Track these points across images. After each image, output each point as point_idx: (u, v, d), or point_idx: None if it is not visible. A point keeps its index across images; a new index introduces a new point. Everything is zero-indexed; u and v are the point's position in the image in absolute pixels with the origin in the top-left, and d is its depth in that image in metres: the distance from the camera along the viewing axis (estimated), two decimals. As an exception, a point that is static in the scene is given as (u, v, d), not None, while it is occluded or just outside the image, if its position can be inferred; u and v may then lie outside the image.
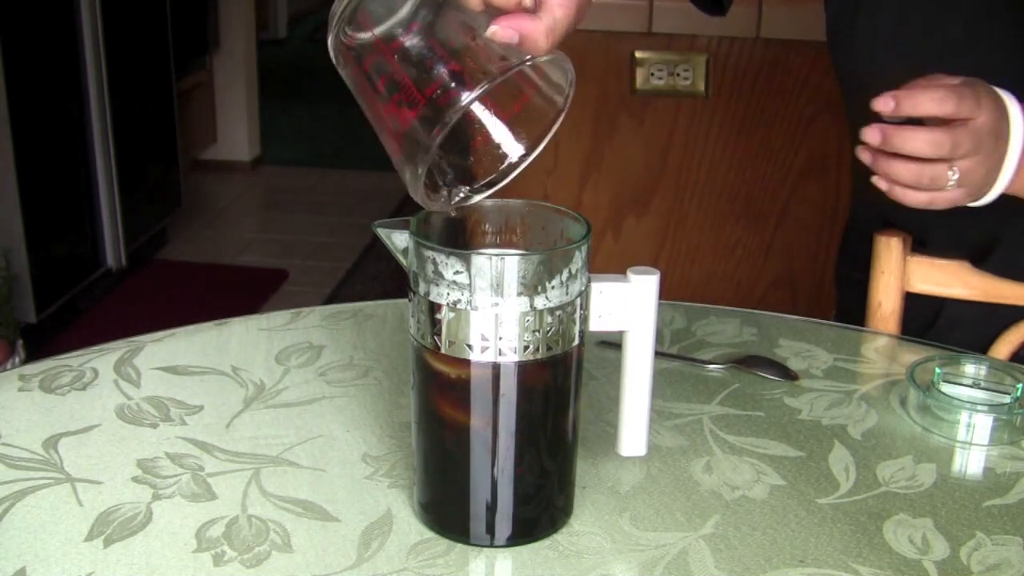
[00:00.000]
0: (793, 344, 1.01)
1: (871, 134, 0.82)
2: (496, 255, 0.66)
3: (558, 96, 0.72)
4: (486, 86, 0.67)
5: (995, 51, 1.00)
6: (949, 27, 1.01)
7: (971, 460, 0.84)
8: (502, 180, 0.73)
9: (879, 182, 0.84)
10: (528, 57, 0.69)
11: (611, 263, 0.77)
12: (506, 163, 0.73)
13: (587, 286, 0.70)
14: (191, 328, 1.01)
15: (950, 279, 1.12)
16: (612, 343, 0.95)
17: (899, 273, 1.12)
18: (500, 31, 0.70)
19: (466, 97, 0.67)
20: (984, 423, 0.86)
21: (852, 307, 1.23)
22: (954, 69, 0.88)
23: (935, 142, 0.81)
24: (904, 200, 0.85)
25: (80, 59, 3.00)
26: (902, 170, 0.83)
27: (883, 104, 0.81)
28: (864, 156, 0.83)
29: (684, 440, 0.85)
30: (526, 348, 0.67)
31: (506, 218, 0.74)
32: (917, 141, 0.81)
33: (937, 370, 0.88)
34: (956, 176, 0.83)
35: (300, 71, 6.21)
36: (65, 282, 3.02)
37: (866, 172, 0.92)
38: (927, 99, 0.81)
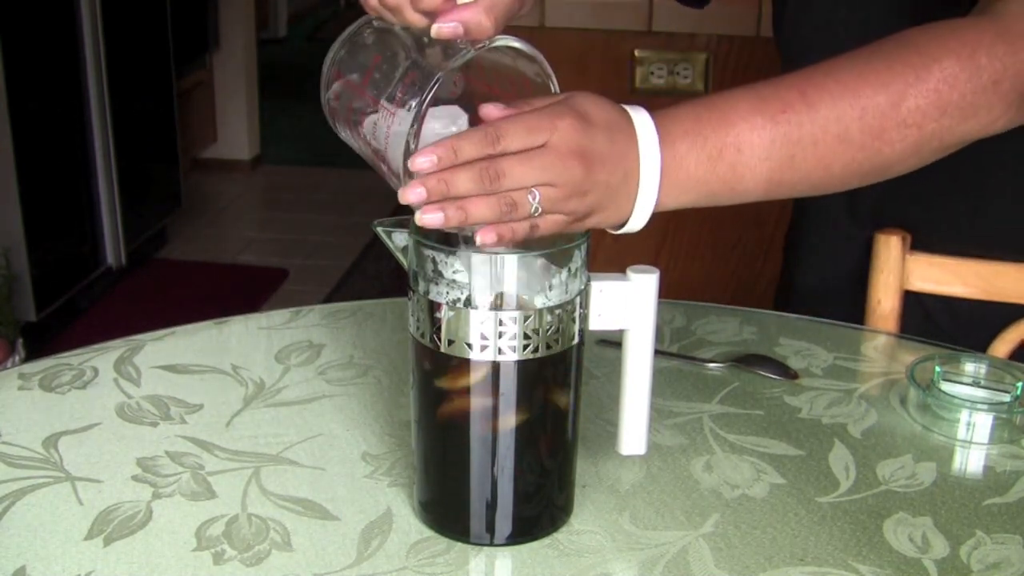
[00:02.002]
0: (793, 343, 1.01)
1: (420, 161, 0.69)
2: (496, 254, 0.66)
3: (549, 84, 0.73)
4: (440, 77, 0.68)
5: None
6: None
7: (971, 459, 0.84)
8: None
9: (481, 237, 0.69)
10: (481, 43, 0.70)
11: (611, 262, 0.77)
12: None
13: (587, 285, 0.70)
14: (191, 327, 1.01)
15: (949, 277, 1.12)
16: (612, 342, 0.95)
17: (898, 271, 1.12)
18: (443, 28, 0.70)
19: (430, 87, 0.68)
20: (984, 422, 0.86)
21: (789, 277, 1.25)
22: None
23: (476, 174, 0.69)
24: (513, 236, 0.70)
25: (80, 59, 3.00)
26: (480, 208, 0.69)
27: (420, 163, 0.69)
28: (414, 195, 0.69)
29: (684, 439, 0.85)
30: (526, 347, 0.67)
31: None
32: (457, 180, 0.69)
33: (937, 369, 0.88)
34: (535, 200, 0.71)
35: (300, 70, 6.21)
36: (65, 281, 3.02)
37: None
38: (466, 143, 0.70)
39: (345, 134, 0.76)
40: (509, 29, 0.74)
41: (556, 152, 0.71)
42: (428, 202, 0.69)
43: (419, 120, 0.69)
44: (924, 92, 0.78)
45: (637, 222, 0.78)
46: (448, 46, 0.72)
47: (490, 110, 0.72)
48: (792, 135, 0.77)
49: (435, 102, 0.73)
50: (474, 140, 0.70)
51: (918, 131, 0.79)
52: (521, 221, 0.70)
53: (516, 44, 0.71)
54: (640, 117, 0.75)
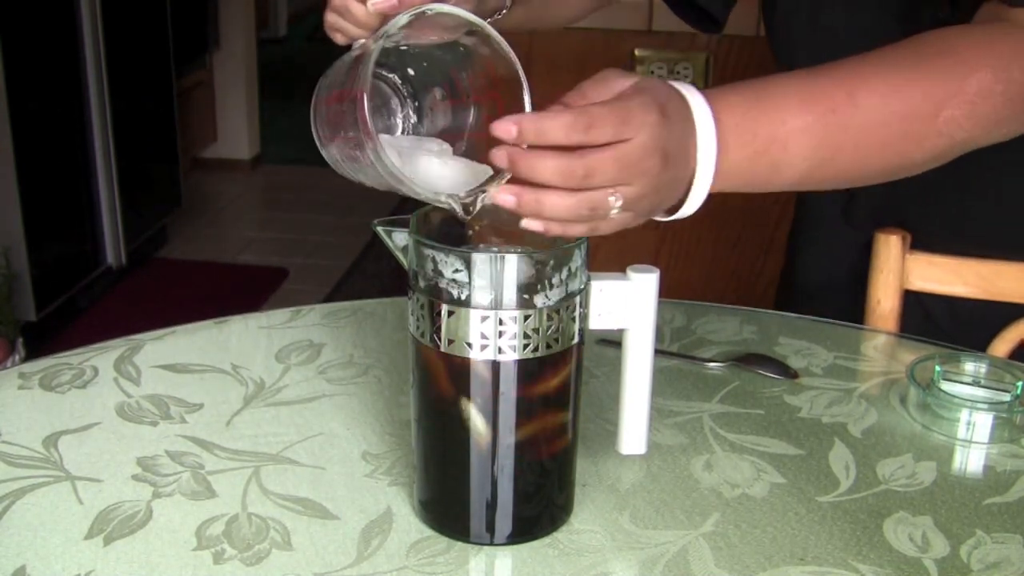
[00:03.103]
0: (793, 342, 1.01)
1: (503, 128, 0.67)
2: (496, 253, 0.66)
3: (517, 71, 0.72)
4: (383, 36, 0.68)
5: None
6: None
7: (971, 458, 0.84)
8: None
9: (529, 223, 0.69)
10: (418, 9, 0.69)
11: (611, 261, 0.77)
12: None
13: (587, 284, 0.70)
14: (191, 326, 1.01)
15: (949, 276, 1.12)
16: (612, 341, 0.95)
17: (898, 271, 1.12)
18: (377, 1, 0.71)
19: (375, 44, 0.68)
20: (984, 421, 0.86)
21: (788, 276, 1.25)
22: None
23: (565, 170, 0.68)
24: (561, 234, 0.71)
25: (80, 59, 3.00)
26: (555, 205, 0.69)
27: (504, 130, 0.67)
28: (499, 160, 0.68)
29: (684, 438, 0.85)
30: (526, 346, 0.67)
31: (506, 216, 0.74)
32: (544, 168, 0.68)
33: (937, 368, 0.88)
34: (619, 201, 0.70)
35: (300, 69, 6.21)
36: (65, 280, 3.02)
37: None
38: (554, 125, 0.67)
39: (340, 159, 0.77)
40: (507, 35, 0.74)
41: (643, 150, 0.70)
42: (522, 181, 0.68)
43: (365, 70, 0.67)
44: (960, 103, 0.78)
45: (687, 211, 0.78)
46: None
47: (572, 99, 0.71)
48: (836, 137, 0.78)
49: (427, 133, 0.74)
50: (563, 123, 0.67)
51: (949, 139, 0.80)
52: (584, 223, 0.69)
53: (448, 10, 0.69)
54: (700, 109, 0.74)
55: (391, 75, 0.77)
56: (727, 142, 0.75)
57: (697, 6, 1.16)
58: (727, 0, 1.18)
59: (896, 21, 1.04)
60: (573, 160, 0.67)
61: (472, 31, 0.71)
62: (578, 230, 0.70)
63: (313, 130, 0.77)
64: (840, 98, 0.78)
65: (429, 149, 0.74)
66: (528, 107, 0.71)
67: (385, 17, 0.75)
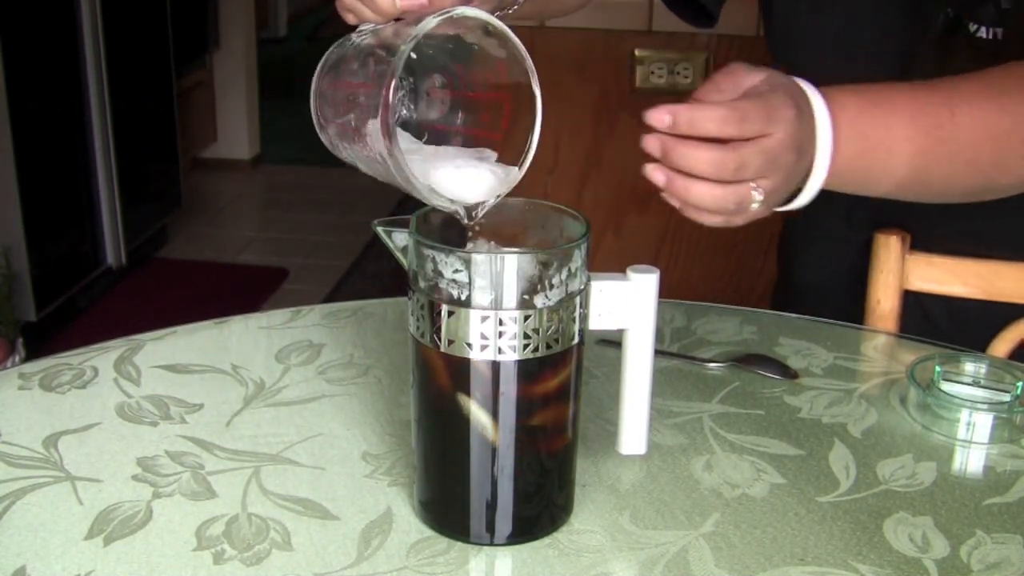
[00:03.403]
0: (793, 342, 1.01)
1: (657, 116, 0.70)
2: (496, 254, 0.66)
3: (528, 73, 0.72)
4: (413, 39, 0.68)
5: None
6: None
7: (971, 458, 0.84)
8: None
9: (669, 198, 0.74)
10: (446, 11, 0.69)
11: (611, 261, 0.77)
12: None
13: (587, 284, 0.70)
14: (191, 326, 1.01)
15: (948, 277, 1.12)
16: (612, 341, 0.95)
17: (897, 271, 1.12)
18: (407, 0, 0.71)
19: (404, 46, 0.67)
20: (984, 421, 0.86)
21: (784, 285, 1.25)
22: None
23: (719, 162, 0.71)
24: (698, 220, 0.76)
25: (80, 59, 3.00)
26: (702, 193, 0.72)
27: (658, 119, 0.70)
28: (651, 147, 0.72)
29: (684, 438, 0.85)
30: (526, 347, 0.67)
31: (506, 217, 0.74)
32: (698, 159, 0.71)
33: (937, 368, 0.88)
34: (760, 195, 0.74)
35: (300, 69, 6.19)
36: (65, 280, 3.02)
37: None
38: (708, 118, 0.71)
39: (340, 144, 0.77)
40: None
41: (783, 145, 0.73)
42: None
43: (392, 75, 0.67)
44: None
45: (800, 203, 0.81)
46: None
47: (715, 86, 0.74)
48: (934, 151, 0.81)
49: (428, 128, 0.74)
50: (718, 116, 0.70)
51: None
52: (725, 214, 0.74)
53: (477, 15, 0.70)
54: (818, 105, 0.78)
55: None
56: (839, 138, 0.78)
57: (691, 1, 1.16)
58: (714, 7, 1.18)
59: (897, 19, 1.04)
60: (727, 152, 0.71)
61: (491, 32, 0.71)
62: (715, 220, 0.74)
63: (312, 105, 0.77)
64: (944, 115, 0.81)
65: (458, 159, 0.73)
66: (539, 118, 0.71)
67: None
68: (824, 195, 1.15)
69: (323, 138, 0.78)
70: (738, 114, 0.71)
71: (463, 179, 0.71)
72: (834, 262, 1.19)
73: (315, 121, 0.78)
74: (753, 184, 0.73)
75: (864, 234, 1.14)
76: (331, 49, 0.78)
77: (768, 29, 1.15)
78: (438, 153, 0.74)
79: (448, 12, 0.69)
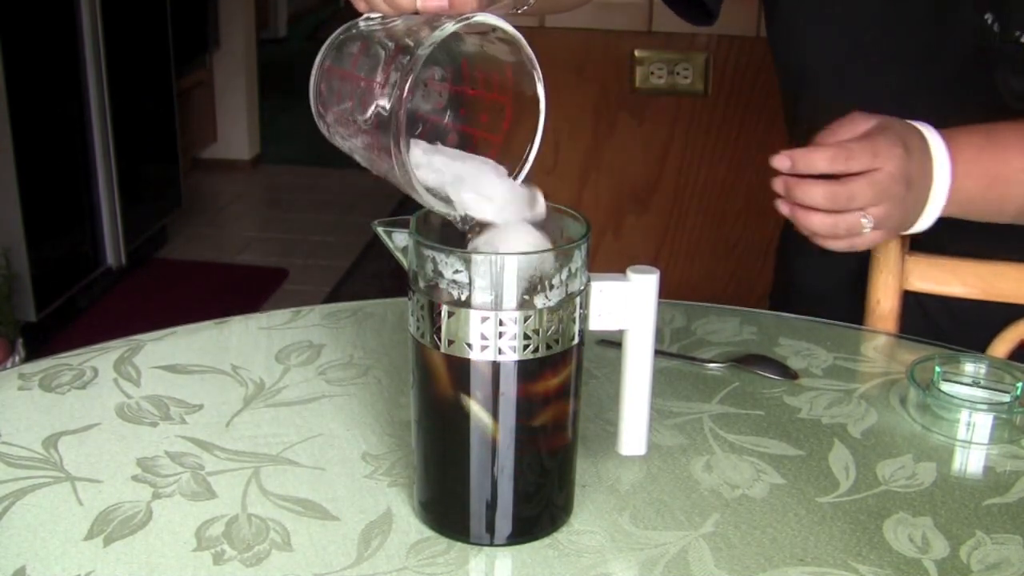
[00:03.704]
0: (793, 343, 1.01)
1: (780, 161, 0.86)
2: (496, 254, 0.66)
3: (534, 75, 0.72)
4: (431, 45, 0.67)
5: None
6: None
7: (971, 459, 0.84)
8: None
9: (800, 228, 0.90)
10: (464, 17, 0.69)
11: (611, 262, 0.78)
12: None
13: (587, 285, 0.70)
14: (191, 327, 1.01)
15: (948, 277, 1.12)
16: (612, 342, 0.95)
17: (897, 271, 1.12)
18: (428, 1, 0.72)
19: (421, 51, 0.67)
20: (984, 422, 0.86)
21: (784, 287, 1.27)
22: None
23: (831, 196, 0.86)
24: (824, 246, 0.91)
25: (80, 59, 3.00)
26: (816, 222, 0.88)
27: (780, 163, 0.86)
28: (778, 187, 0.88)
29: (684, 439, 0.85)
30: (526, 347, 0.67)
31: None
32: (814, 194, 0.86)
33: (937, 369, 0.88)
34: (870, 223, 0.88)
35: (300, 70, 6.19)
36: (65, 281, 3.02)
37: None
38: (820, 158, 0.86)
39: (337, 131, 0.76)
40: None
41: (891, 177, 0.86)
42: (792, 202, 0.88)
43: (407, 77, 0.67)
44: None
45: (921, 227, 0.94)
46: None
47: (823, 139, 0.88)
48: None
49: (422, 119, 0.73)
50: (828, 156, 0.86)
51: None
52: (842, 239, 0.88)
53: (495, 22, 0.70)
54: (935, 142, 0.91)
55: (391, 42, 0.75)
56: (961, 174, 0.91)
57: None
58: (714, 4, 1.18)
59: (918, 24, 1.04)
60: (838, 187, 0.86)
61: (504, 39, 0.71)
62: (838, 245, 0.90)
63: (311, 90, 0.76)
64: None
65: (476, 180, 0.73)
66: (540, 127, 0.72)
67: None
68: None
69: (320, 125, 0.77)
70: (845, 153, 0.85)
71: (491, 204, 0.70)
72: (837, 265, 1.19)
73: (313, 108, 0.77)
74: (862, 212, 0.87)
75: None
76: (336, 34, 0.77)
77: (771, 29, 1.15)
78: (453, 163, 0.73)
79: (468, 18, 0.69)
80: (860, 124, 0.89)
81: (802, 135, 1.16)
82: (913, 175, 0.88)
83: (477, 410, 0.69)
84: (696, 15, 1.18)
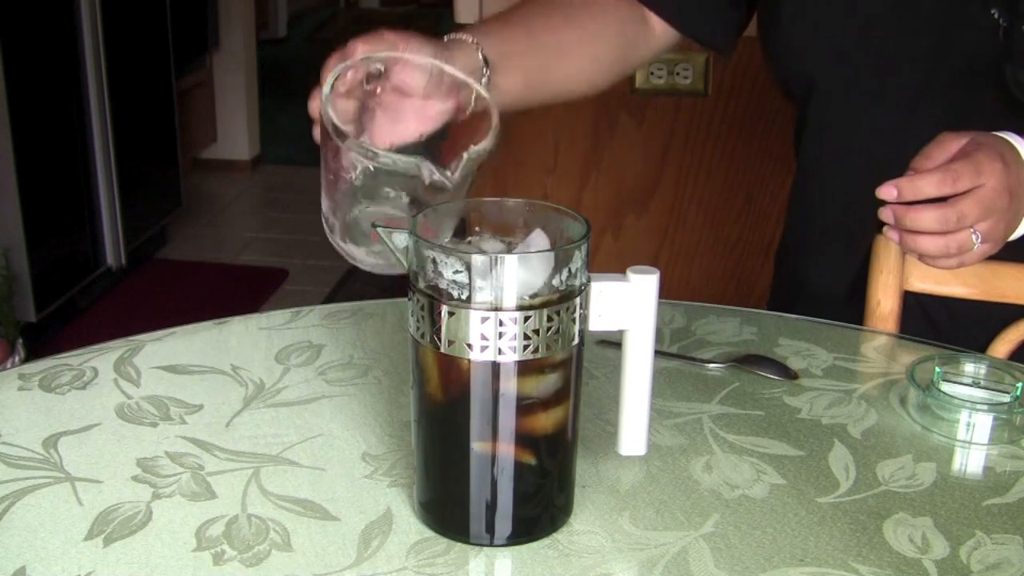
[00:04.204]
0: (793, 343, 1.01)
1: (886, 191, 0.88)
2: (496, 255, 0.66)
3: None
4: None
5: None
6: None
7: (971, 459, 0.84)
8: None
9: (910, 251, 0.92)
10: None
11: (611, 262, 0.77)
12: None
13: (587, 285, 0.70)
14: (191, 327, 1.01)
15: (948, 277, 1.11)
16: (612, 342, 0.95)
17: (898, 272, 1.12)
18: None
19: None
20: (984, 422, 0.86)
21: (786, 291, 1.26)
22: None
23: (942, 219, 0.88)
24: (935, 266, 0.94)
25: (80, 59, 3.00)
26: (928, 244, 0.90)
27: (887, 193, 0.88)
28: (887, 217, 0.90)
29: (684, 439, 0.85)
30: (526, 347, 0.67)
31: (506, 217, 0.74)
32: (925, 220, 0.88)
33: (937, 369, 0.88)
34: (979, 238, 0.90)
35: (300, 70, 6.20)
36: (65, 281, 3.02)
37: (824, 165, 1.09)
38: (926, 184, 0.88)
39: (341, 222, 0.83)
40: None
41: (995, 191, 0.89)
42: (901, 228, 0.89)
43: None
44: None
45: (1020, 233, 0.96)
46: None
47: (921, 163, 0.90)
48: None
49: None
50: (934, 181, 0.87)
51: None
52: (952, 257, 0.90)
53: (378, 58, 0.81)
54: None
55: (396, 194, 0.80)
56: None
57: (707, 26, 1.17)
58: (732, 26, 1.18)
59: (906, 13, 1.04)
60: (948, 209, 0.88)
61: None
62: (949, 263, 0.92)
63: (336, 238, 0.89)
64: None
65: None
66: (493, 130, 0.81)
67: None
68: (842, 200, 1.16)
69: (338, 243, 0.88)
70: (951, 175, 0.87)
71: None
72: (846, 267, 1.19)
73: (329, 234, 0.89)
74: (972, 229, 0.89)
75: (868, 239, 1.14)
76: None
77: (766, 39, 1.16)
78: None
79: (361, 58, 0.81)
80: (953, 144, 0.91)
81: (813, 144, 1.16)
82: (1014, 186, 0.91)
83: (477, 411, 0.69)
84: (718, 43, 1.19)
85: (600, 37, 1.13)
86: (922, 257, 0.92)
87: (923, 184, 0.88)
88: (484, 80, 0.95)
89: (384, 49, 0.87)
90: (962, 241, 0.90)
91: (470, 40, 0.96)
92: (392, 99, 0.88)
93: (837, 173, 1.15)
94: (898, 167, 1.09)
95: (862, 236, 1.14)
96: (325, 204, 0.84)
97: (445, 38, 0.96)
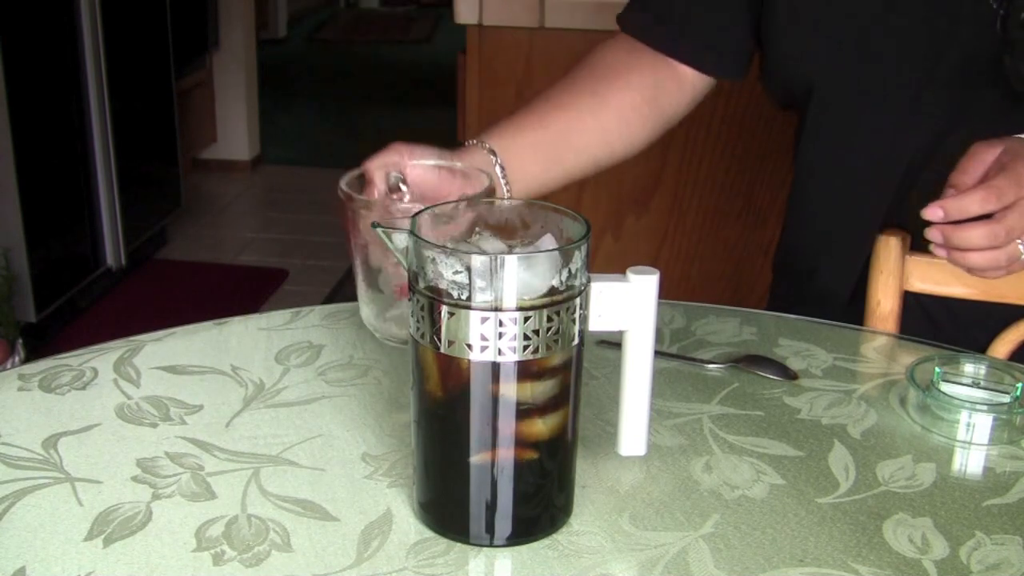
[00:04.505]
0: (793, 343, 1.01)
1: (932, 212, 0.89)
2: (496, 255, 0.66)
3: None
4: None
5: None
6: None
7: (971, 459, 0.84)
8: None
9: (960, 266, 0.94)
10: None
11: (611, 263, 0.77)
12: None
13: (587, 286, 0.70)
14: (191, 327, 1.01)
15: (949, 278, 1.11)
16: (612, 342, 0.95)
17: (898, 272, 1.12)
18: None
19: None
20: (984, 422, 0.86)
21: (786, 294, 1.26)
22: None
23: (991, 235, 0.89)
24: (985, 277, 0.95)
25: (80, 59, 3.00)
26: (978, 259, 0.91)
27: (932, 214, 0.89)
28: (935, 237, 0.91)
29: (684, 439, 0.85)
30: (525, 348, 0.67)
31: (506, 218, 0.74)
32: (975, 238, 0.89)
33: (937, 369, 0.88)
34: None
35: (300, 70, 6.21)
36: (65, 281, 3.02)
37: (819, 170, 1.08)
38: (971, 202, 0.88)
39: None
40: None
41: None
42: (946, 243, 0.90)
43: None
44: None
45: None
46: None
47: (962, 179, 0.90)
48: None
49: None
50: (979, 199, 0.88)
51: None
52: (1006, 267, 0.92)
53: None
54: None
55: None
56: None
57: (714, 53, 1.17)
58: (743, 55, 1.17)
59: (904, 9, 1.05)
60: (995, 225, 0.89)
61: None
62: (997, 274, 0.93)
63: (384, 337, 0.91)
64: None
65: None
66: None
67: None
68: (843, 201, 1.15)
69: (387, 340, 0.91)
70: (994, 192, 0.88)
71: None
72: (849, 269, 1.18)
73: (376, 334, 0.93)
74: (1020, 240, 0.90)
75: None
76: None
77: (764, 50, 1.15)
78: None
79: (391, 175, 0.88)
80: (987, 154, 0.91)
81: (813, 146, 1.15)
82: None
83: (477, 411, 0.69)
84: (725, 68, 1.20)
85: (621, 100, 1.15)
86: (971, 270, 0.94)
87: (968, 203, 0.88)
88: (497, 171, 1.02)
89: (395, 160, 0.94)
90: (1011, 253, 0.91)
91: (475, 141, 1.04)
92: (415, 204, 0.92)
93: (838, 174, 1.15)
94: (898, 166, 1.09)
95: (864, 237, 1.14)
96: (366, 311, 0.91)
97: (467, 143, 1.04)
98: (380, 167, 0.93)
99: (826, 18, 1.09)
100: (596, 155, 1.16)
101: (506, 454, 0.70)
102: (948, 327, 1.14)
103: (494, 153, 1.03)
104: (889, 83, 1.08)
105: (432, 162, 0.95)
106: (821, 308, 1.14)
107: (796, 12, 1.11)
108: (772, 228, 2.01)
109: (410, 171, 0.94)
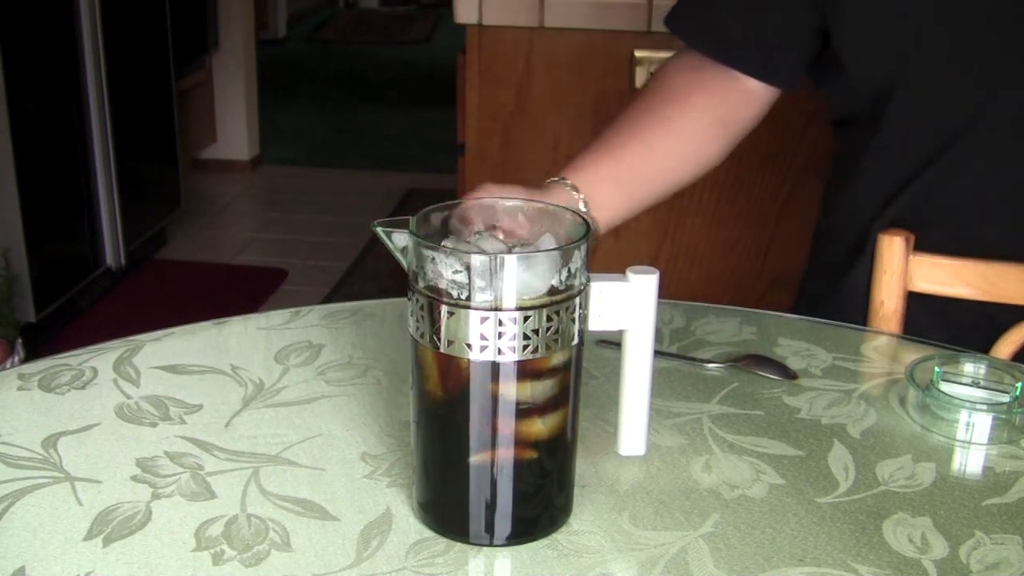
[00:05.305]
0: (792, 343, 1.01)
1: None
2: (495, 255, 0.66)
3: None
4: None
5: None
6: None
7: (970, 459, 0.84)
8: None
9: None
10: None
11: (611, 262, 0.78)
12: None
13: (586, 285, 0.70)
14: (190, 327, 1.01)
15: (952, 278, 1.11)
16: (612, 342, 0.95)
17: (901, 272, 1.12)
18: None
19: None
20: (983, 422, 0.86)
21: (822, 295, 1.23)
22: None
23: None
24: None
25: (80, 59, 3.00)
26: None
27: None
28: None
29: (683, 439, 0.85)
30: (525, 347, 0.67)
31: (506, 217, 0.74)
32: None
33: (936, 369, 0.88)
34: None
35: (300, 71, 6.21)
36: (65, 282, 3.02)
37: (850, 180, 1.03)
38: None
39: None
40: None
41: None
42: None
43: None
44: None
45: None
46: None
47: None
48: None
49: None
50: None
51: None
52: None
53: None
54: None
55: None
56: None
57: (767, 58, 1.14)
58: (796, 65, 1.14)
59: None
60: None
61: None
62: None
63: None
64: None
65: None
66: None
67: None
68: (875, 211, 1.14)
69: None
70: None
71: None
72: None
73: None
74: None
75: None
76: None
77: (837, 46, 1.11)
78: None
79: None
80: None
81: (887, 144, 1.10)
82: None
83: (476, 411, 0.69)
84: (794, 83, 1.16)
85: (692, 123, 1.14)
86: None
87: None
88: (581, 206, 1.04)
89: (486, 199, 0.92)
90: None
91: (557, 179, 1.08)
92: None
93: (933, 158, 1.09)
94: (982, 142, 1.05)
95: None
96: None
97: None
98: (476, 209, 0.90)
99: (910, 8, 1.04)
100: (671, 180, 1.16)
101: (506, 454, 0.70)
102: (951, 328, 1.14)
103: (576, 189, 1.06)
104: (992, 69, 1.04)
105: (523, 201, 0.91)
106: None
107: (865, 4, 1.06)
108: (772, 228, 2.01)
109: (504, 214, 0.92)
